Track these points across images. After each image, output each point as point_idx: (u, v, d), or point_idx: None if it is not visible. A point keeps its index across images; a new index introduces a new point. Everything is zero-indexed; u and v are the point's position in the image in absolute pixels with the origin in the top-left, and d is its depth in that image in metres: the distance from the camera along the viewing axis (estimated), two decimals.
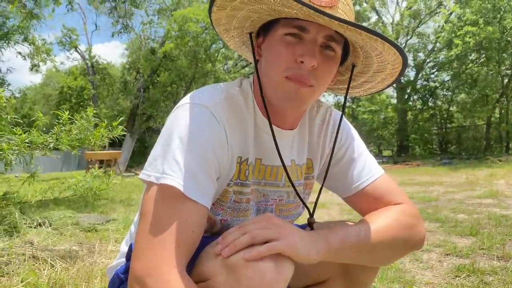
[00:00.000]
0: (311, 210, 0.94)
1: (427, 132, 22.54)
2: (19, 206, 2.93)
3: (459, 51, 15.90)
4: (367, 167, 1.02)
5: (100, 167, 3.15)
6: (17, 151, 2.28)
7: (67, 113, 2.50)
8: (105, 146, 2.95)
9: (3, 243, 2.40)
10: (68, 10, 10.25)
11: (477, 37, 14.82)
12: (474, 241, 2.87)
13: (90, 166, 10.62)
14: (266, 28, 0.89)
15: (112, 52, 46.57)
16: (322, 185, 1.00)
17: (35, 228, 3.07)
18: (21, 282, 1.88)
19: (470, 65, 18.32)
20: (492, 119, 19.25)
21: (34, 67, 15.05)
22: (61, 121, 2.48)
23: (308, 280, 1.07)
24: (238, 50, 1.04)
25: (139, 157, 19.34)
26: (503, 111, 18.63)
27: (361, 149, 1.05)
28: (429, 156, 19.55)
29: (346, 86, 0.98)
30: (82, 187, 2.73)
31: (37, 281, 1.90)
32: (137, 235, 0.79)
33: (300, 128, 1.01)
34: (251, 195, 0.96)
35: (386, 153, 24.76)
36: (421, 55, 22.52)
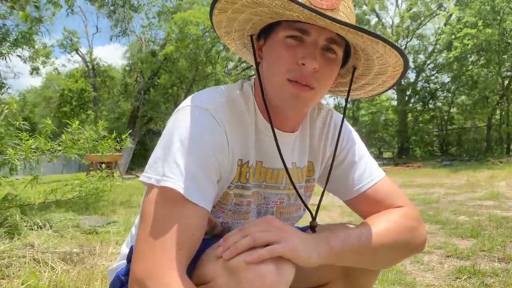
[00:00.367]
0: (314, 213, 0.94)
1: (427, 134, 22.56)
2: (20, 208, 2.93)
3: (458, 53, 15.92)
4: (368, 170, 1.02)
5: (102, 169, 3.16)
6: (24, 157, 2.30)
7: (77, 123, 2.54)
8: None
9: (4, 245, 2.39)
10: (68, 14, 10.25)
11: (476, 40, 14.83)
12: (475, 243, 2.86)
13: (91, 168, 10.63)
14: (267, 31, 0.89)
15: (112, 54, 46.86)
16: (325, 188, 1.00)
17: (36, 230, 3.07)
18: (22, 284, 1.88)
19: (470, 67, 18.34)
20: (492, 120, 19.25)
21: (34, 70, 15.06)
22: (70, 130, 2.51)
23: (309, 283, 1.07)
24: (239, 52, 1.04)
25: (139, 159, 19.34)
26: (503, 112, 18.64)
27: (362, 152, 1.05)
28: (429, 158, 19.56)
29: (347, 89, 0.98)
30: (87, 188, 2.74)
31: (37, 284, 1.90)
32: (138, 237, 0.79)
33: (301, 130, 1.00)
34: (251, 198, 0.96)
35: (387, 154, 24.75)
36: (422, 57, 22.59)
